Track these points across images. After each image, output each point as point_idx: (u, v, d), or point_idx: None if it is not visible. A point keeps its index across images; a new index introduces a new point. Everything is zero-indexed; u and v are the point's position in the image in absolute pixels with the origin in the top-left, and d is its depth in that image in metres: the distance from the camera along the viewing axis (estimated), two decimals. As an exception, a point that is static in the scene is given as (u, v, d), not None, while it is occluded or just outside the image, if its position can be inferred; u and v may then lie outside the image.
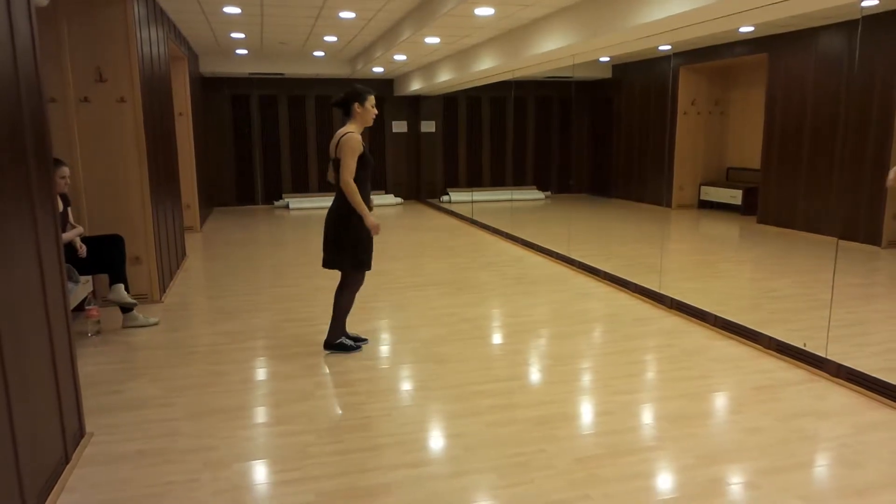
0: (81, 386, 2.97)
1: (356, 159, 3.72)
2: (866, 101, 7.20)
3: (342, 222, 3.82)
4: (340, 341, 4.06)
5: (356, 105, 3.80)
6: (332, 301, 4.05)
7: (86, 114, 4.84)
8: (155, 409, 3.24)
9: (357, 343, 4.14)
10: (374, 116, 3.88)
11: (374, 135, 12.63)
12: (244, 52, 10.17)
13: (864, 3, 4.65)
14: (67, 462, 2.64)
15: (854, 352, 3.81)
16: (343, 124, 3.86)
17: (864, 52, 7.24)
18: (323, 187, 12.46)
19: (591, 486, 2.49)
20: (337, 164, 3.78)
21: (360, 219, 3.79)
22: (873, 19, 6.91)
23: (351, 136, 3.72)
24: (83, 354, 4.00)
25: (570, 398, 3.36)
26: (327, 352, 4.06)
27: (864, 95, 7.21)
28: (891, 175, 4.76)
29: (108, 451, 2.80)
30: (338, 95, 3.87)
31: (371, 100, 3.83)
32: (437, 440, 2.93)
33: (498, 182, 13.21)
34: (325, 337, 4.11)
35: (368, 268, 3.94)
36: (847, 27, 7.40)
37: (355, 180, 3.72)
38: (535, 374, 3.74)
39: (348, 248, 3.84)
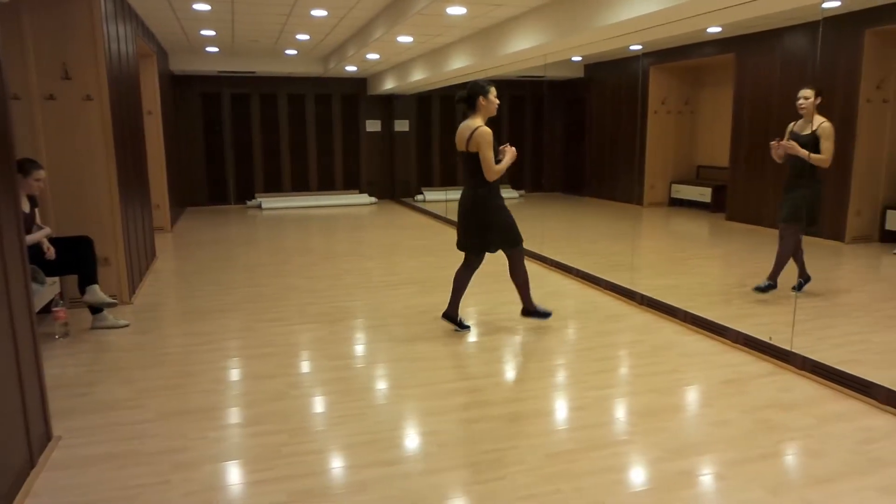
0: (48, 388, 2.92)
1: (492, 149, 3.98)
2: (829, 99, 7.36)
3: (481, 211, 4.11)
4: (460, 320, 4.40)
5: (481, 98, 4.02)
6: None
7: (51, 112, 4.74)
8: (124, 411, 3.20)
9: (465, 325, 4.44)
10: (497, 106, 4.09)
11: (348, 134, 12.58)
12: (215, 49, 10.04)
13: (824, 5, 4.76)
14: (33, 466, 2.59)
15: (818, 345, 3.91)
16: (466, 118, 4.09)
17: (825, 52, 7.41)
18: (297, 187, 12.37)
19: (563, 481, 2.52)
20: (467, 156, 4.03)
21: (496, 206, 4.12)
22: (834, 20, 7.08)
23: (484, 129, 3.96)
24: (50, 357, 3.92)
25: (543, 394, 3.40)
26: (444, 320, 4.43)
27: (828, 93, 7.36)
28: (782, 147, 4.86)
29: (76, 455, 2.76)
30: (461, 92, 4.09)
31: (493, 91, 4.05)
32: (410, 438, 2.94)
33: (472, 181, 13.22)
34: (299, 337, 4.16)
35: (521, 240, 4.28)
36: (810, 28, 7.56)
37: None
38: (508, 371, 3.77)
39: (470, 237, 4.20)
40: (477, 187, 4.10)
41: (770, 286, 4.93)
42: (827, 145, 4.66)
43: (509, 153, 4.12)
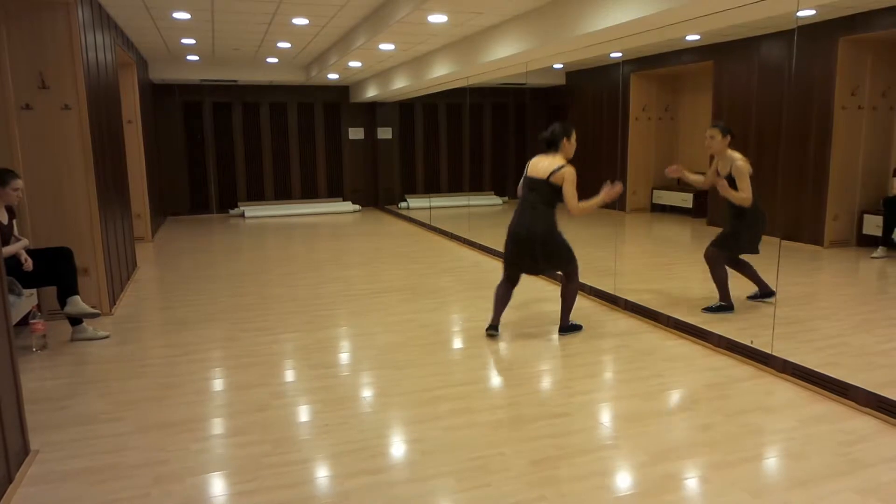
0: (26, 402, 2.87)
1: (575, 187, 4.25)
2: (806, 106, 7.49)
3: (551, 236, 4.31)
4: (571, 324, 4.55)
5: (565, 140, 4.28)
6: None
7: (28, 121, 4.68)
8: (104, 423, 3.15)
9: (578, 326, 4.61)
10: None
11: (330, 142, 12.55)
12: (195, 58, 9.99)
13: (800, 13, 4.84)
14: (10, 482, 2.54)
15: (798, 348, 3.96)
16: (546, 154, 4.32)
17: (801, 59, 7.54)
18: (279, 195, 12.32)
19: (547, 487, 2.52)
20: (545, 184, 4.23)
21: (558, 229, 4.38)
22: (809, 29, 7.21)
23: (571, 168, 4.23)
24: (28, 370, 3.86)
25: (528, 401, 3.40)
26: (562, 334, 4.50)
27: (804, 100, 7.51)
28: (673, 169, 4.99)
29: (55, 469, 2.71)
30: (545, 132, 4.33)
31: (574, 134, 4.35)
32: (395, 446, 2.93)
33: (455, 188, 13.27)
34: (282, 346, 4.16)
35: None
36: (786, 36, 7.69)
37: (561, 201, 4.30)
38: (492, 378, 3.77)
39: (564, 255, 4.37)
40: (549, 213, 4.33)
41: (722, 306, 4.81)
42: (742, 185, 4.58)
43: (606, 191, 4.25)
